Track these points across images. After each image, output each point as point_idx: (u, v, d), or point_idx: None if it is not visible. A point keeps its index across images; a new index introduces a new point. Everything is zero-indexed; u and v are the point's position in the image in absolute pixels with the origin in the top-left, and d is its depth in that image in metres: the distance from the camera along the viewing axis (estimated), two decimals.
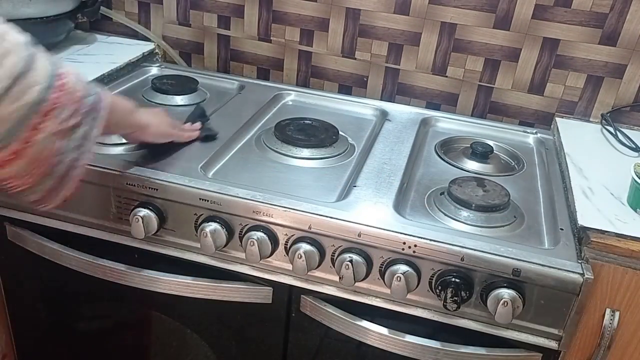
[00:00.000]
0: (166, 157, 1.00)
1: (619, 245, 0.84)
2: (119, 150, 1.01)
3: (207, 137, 1.08)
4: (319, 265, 0.89)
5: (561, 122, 1.27)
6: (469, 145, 1.15)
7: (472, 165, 1.11)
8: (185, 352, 1.09)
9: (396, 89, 1.38)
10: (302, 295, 0.94)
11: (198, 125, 1.09)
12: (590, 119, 1.29)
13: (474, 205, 0.92)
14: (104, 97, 0.79)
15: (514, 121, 1.33)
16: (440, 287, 0.84)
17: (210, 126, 1.11)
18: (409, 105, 1.36)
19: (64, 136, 0.71)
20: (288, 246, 0.89)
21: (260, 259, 0.90)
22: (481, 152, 1.12)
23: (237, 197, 0.90)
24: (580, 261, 0.83)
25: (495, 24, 1.25)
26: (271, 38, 1.41)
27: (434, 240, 0.84)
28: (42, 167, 0.71)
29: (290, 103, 1.34)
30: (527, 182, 1.08)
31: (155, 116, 0.98)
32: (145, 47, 1.44)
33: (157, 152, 1.00)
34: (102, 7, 1.44)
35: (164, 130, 0.99)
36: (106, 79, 1.27)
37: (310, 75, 1.42)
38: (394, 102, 1.37)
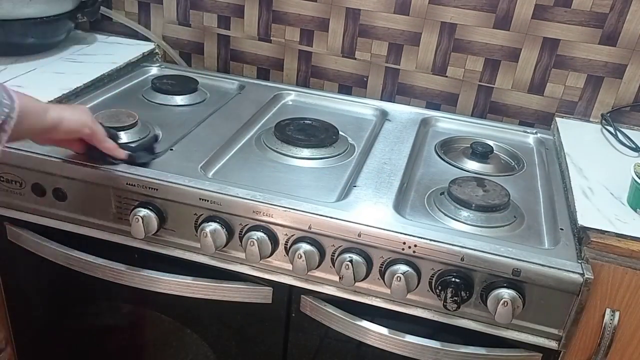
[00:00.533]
0: (166, 158, 1.00)
1: (619, 245, 0.84)
2: None
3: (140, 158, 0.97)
4: (319, 265, 0.89)
5: (561, 122, 1.27)
6: (469, 145, 1.15)
7: (472, 165, 1.11)
8: (185, 352, 1.09)
9: (396, 89, 1.38)
10: (302, 295, 0.94)
11: (125, 153, 0.96)
12: (590, 119, 1.29)
13: (474, 205, 0.92)
14: (12, 110, 0.72)
15: (514, 121, 1.33)
16: (440, 287, 0.84)
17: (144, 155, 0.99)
18: (409, 105, 1.36)
19: None
20: (288, 246, 0.89)
21: (260, 259, 0.90)
22: (481, 152, 1.12)
23: (237, 197, 0.90)
24: (580, 261, 0.83)
25: (495, 24, 1.25)
26: (271, 38, 1.41)
27: (434, 240, 0.84)
28: None
29: (290, 103, 1.34)
30: (527, 182, 1.08)
31: (72, 110, 0.89)
32: (145, 47, 1.44)
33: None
34: (102, 7, 1.44)
35: (80, 118, 0.88)
36: (106, 79, 1.27)
37: (310, 75, 1.42)
38: (394, 102, 1.37)
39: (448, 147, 1.18)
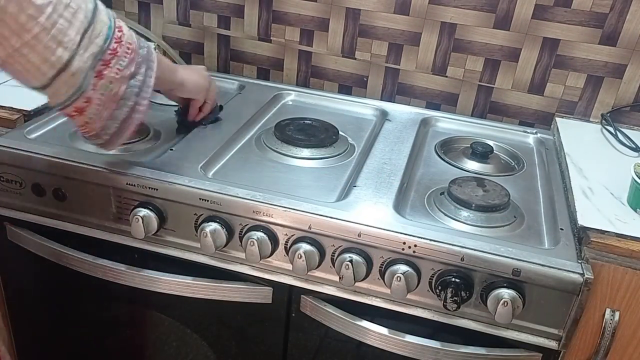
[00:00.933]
0: (166, 157, 1.00)
1: (619, 245, 0.84)
2: (119, 150, 1.01)
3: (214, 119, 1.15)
4: (319, 265, 0.89)
5: (561, 122, 1.27)
6: (469, 145, 1.15)
7: (472, 165, 1.11)
8: (185, 352, 1.09)
9: (396, 89, 1.38)
10: (302, 295, 0.94)
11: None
12: (590, 119, 1.29)
13: (474, 205, 0.92)
14: (153, 51, 0.87)
15: (514, 121, 1.33)
16: (440, 287, 0.84)
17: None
18: (409, 105, 1.36)
19: (123, 82, 0.80)
20: (288, 246, 0.89)
21: (260, 259, 0.90)
22: (481, 152, 1.12)
23: (237, 197, 0.90)
24: (580, 261, 0.83)
25: (495, 24, 1.25)
26: (271, 38, 1.41)
27: (434, 240, 0.84)
28: (108, 111, 0.81)
29: (290, 103, 1.34)
30: (527, 182, 1.08)
31: (193, 73, 1.05)
32: None
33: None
34: None
35: (200, 85, 1.06)
36: None
37: (310, 75, 1.42)
38: (394, 102, 1.37)
39: (448, 147, 1.18)
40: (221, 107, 1.18)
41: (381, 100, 1.37)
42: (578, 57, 1.24)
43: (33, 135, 1.03)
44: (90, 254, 1.00)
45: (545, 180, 1.08)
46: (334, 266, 0.88)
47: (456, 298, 0.83)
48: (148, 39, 1.47)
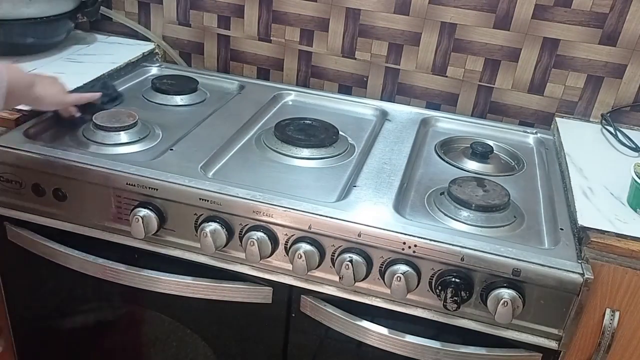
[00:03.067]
0: (166, 157, 1.00)
1: (619, 245, 0.84)
2: (119, 150, 1.01)
3: (110, 99, 1.17)
4: (319, 265, 0.89)
5: (561, 122, 1.27)
6: (469, 145, 1.15)
7: (472, 165, 1.11)
8: (185, 352, 1.09)
9: (396, 89, 1.38)
10: (302, 295, 0.94)
11: (95, 93, 1.12)
12: (590, 119, 1.29)
13: (474, 205, 0.92)
14: (1, 75, 0.83)
15: (514, 121, 1.33)
16: (440, 287, 0.84)
17: (114, 92, 1.19)
18: (409, 105, 1.36)
19: None
20: (288, 246, 0.89)
21: (260, 259, 0.90)
22: (481, 152, 1.12)
23: (237, 197, 0.90)
24: (580, 261, 0.83)
25: (495, 24, 1.25)
26: (271, 38, 1.41)
27: (434, 240, 0.84)
28: None
29: (290, 103, 1.34)
30: (527, 182, 1.08)
31: (51, 86, 1.00)
32: (145, 47, 1.44)
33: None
34: (102, 7, 1.44)
35: (58, 99, 1.02)
36: (106, 79, 1.27)
37: (310, 75, 1.42)
38: (394, 102, 1.37)
39: (448, 147, 1.18)
40: (113, 88, 1.20)
41: (381, 100, 1.37)
42: (578, 57, 1.24)
43: (33, 136, 1.03)
44: (90, 254, 1.00)
45: (545, 180, 1.08)
46: (334, 266, 0.88)
47: (456, 298, 0.83)
48: (148, 39, 1.47)
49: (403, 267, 0.85)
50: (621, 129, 1.21)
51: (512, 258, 0.82)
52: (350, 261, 0.85)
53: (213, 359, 1.07)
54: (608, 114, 1.25)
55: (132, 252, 0.98)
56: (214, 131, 1.12)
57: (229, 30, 1.44)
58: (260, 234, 0.89)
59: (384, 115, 1.28)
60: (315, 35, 1.38)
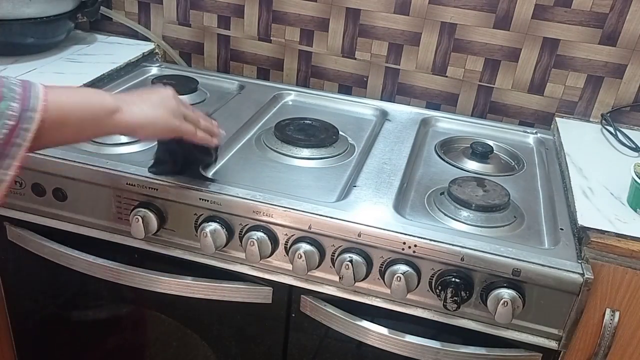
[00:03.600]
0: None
1: (619, 245, 0.84)
2: (119, 150, 1.01)
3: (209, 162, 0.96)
4: (319, 265, 0.89)
5: (561, 122, 1.27)
6: (469, 145, 1.15)
7: (472, 165, 1.11)
8: (185, 352, 1.09)
9: (396, 89, 1.38)
10: (302, 295, 0.94)
11: (215, 124, 0.91)
12: (590, 119, 1.29)
13: (474, 205, 0.92)
14: (27, 119, 0.61)
15: (514, 121, 1.33)
16: (440, 287, 0.84)
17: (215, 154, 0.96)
18: (409, 105, 1.36)
19: None
20: (288, 246, 0.89)
21: (260, 259, 0.90)
22: (481, 152, 1.12)
23: (237, 197, 0.90)
24: (580, 261, 0.83)
25: (495, 24, 1.25)
26: (271, 38, 1.41)
27: (434, 240, 0.84)
28: None
29: (290, 103, 1.34)
30: (527, 182, 1.08)
31: (153, 109, 0.78)
32: (145, 47, 1.44)
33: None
34: (102, 7, 1.44)
35: (163, 126, 0.80)
36: (106, 79, 1.27)
37: (310, 75, 1.42)
38: (394, 102, 1.37)
39: (448, 147, 1.18)
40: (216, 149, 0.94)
41: (381, 100, 1.37)
42: (578, 57, 1.24)
43: None
44: (90, 254, 1.00)
45: (545, 180, 1.08)
46: (334, 266, 0.88)
47: (456, 298, 0.83)
48: (148, 39, 1.47)
49: (403, 267, 0.85)
50: (621, 129, 1.21)
51: (512, 258, 0.82)
52: (350, 261, 0.85)
53: (213, 359, 1.07)
54: (608, 114, 1.25)
55: (132, 252, 0.98)
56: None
57: (229, 30, 1.44)
58: (260, 234, 0.89)
59: (384, 115, 1.28)
60: (315, 35, 1.38)
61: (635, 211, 0.92)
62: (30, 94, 0.63)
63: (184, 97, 1.24)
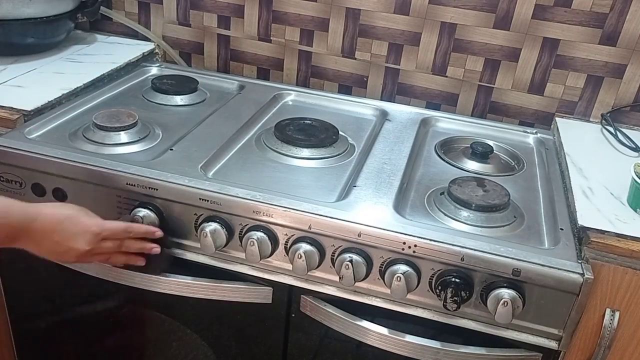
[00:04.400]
0: (166, 157, 1.00)
1: (619, 245, 0.84)
2: (119, 150, 1.01)
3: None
4: (319, 265, 0.89)
5: (561, 122, 1.27)
6: (469, 145, 1.15)
7: (472, 165, 1.11)
8: (185, 352, 1.09)
9: (396, 89, 1.38)
10: (302, 295, 0.94)
11: (154, 230, 0.89)
12: (590, 119, 1.29)
13: (474, 205, 0.92)
14: None
15: (514, 121, 1.33)
16: (440, 287, 0.84)
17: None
18: (409, 105, 1.36)
19: None
20: (288, 246, 0.89)
21: (260, 259, 0.90)
22: (481, 152, 1.12)
23: (237, 197, 0.90)
24: (580, 261, 0.83)
25: (495, 24, 1.25)
26: (271, 38, 1.41)
27: (434, 240, 0.84)
28: None
29: (290, 103, 1.33)
30: (527, 182, 1.08)
31: (58, 246, 0.78)
32: (145, 47, 1.44)
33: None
34: (102, 7, 1.44)
35: (66, 256, 0.79)
36: (106, 79, 1.27)
37: (310, 75, 1.42)
38: (394, 102, 1.37)
39: (448, 147, 1.18)
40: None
41: (381, 100, 1.37)
42: (578, 57, 1.24)
43: (33, 135, 1.03)
44: None
45: (545, 180, 1.08)
46: (334, 266, 0.88)
47: (456, 298, 0.83)
48: (148, 39, 1.47)
49: (403, 267, 0.85)
50: (621, 129, 1.21)
51: (512, 258, 0.82)
52: (350, 261, 0.85)
53: (213, 359, 1.07)
54: (608, 114, 1.25)
55: None
56: (214, 131, 1.12)
57: (229, 30, 1.44)
58: (260, 234, 0.89)
59: (384, 115, 1.27)
60: (315, 35, 1.38)
61: (635, 211, 0.92)
62: None
63: (184, 97, 1.24)
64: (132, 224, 0.87)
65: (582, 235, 0.87)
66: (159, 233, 0.88)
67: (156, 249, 0.89)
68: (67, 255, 0.80)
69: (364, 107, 1.32)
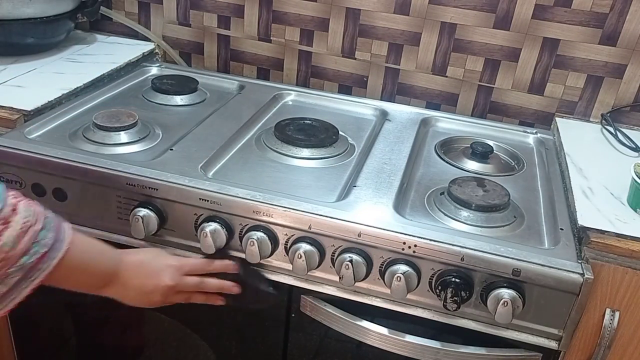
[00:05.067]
0: (166, 157, 1.00)
1: (619, 245, 0.84)
2: (119, 150, 1.01)
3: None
4: (319, 265, 0.89)
5: (561, 122, 1.27)
6: (469, 145, 1.15)
7: (472, 165, 1.11)
8: (185, 352, 1.09)
9: (396, 89, 1.38)
10: (302, 295, 0.94)
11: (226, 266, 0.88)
12: (590, 119, 1.29)
13: (474, 205, 0.92)
14: (56, 248, 0.66)
15: (514, 121, 1.33)
16: (440, 287, 0.84)
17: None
18: (409, 105, 1.36)
19: None
20: (288, 246, 0.89)
21: (260, 259, 0.90)
22: (481, 152, 1.12)
23: (237, 197, 0.90)
24: (580, 261, 0.83)
25: (495, 24, 1.25)
26: (271, 38, 1.41)
27: (434, 240, 0.84)
28: None
29: (290, 103, 1.34)
30: (527, 182, 1.08)
31: (143, 296, 0.79)
32: (145, 47, 1.44)
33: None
34: (102, 7, 1.44)
35: (152, 296, 0.80)
36: (106, 79, 1.27)
37: (310, 75, 1.42)
38: (394, 102, 1.37)
39: (448, 147, 1.18)
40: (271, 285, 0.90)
41: (381, 100, 1.37)
42: (578, 57, 1.24)
43: (33, 135, 1.03)
44: None
45: (545, 180, 1.08)
46: (334, 266, 0.88)
47: (456, 298, 0.83)
48: (148, 39, 1.47)
49: (403, 267, 0.85)
50: (621, 129, 1.21)
51: (512, 258, 0.82)
52: (350, 261, 0.85)
53: (213, 359, 1.07)
54: (608, 114, 1.25)
55: None
56: (214, 131, 1.12)
57: (229, 30, 1.44)
58: (260, 234, 0.89)
59: (384, 115, 1.28)
60: (315, 35, 1.38)
61: (635, 211, 0.92)
62: (62, 226, 0.68)
63: (184, 97, 1.24)
64: (211, 260, 0.88)
65: (582, 235, 0.87)
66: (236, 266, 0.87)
67: (235, 288, 0.87)
68: (154, 295, 0.81)
69: (364, 107, 1.32)
